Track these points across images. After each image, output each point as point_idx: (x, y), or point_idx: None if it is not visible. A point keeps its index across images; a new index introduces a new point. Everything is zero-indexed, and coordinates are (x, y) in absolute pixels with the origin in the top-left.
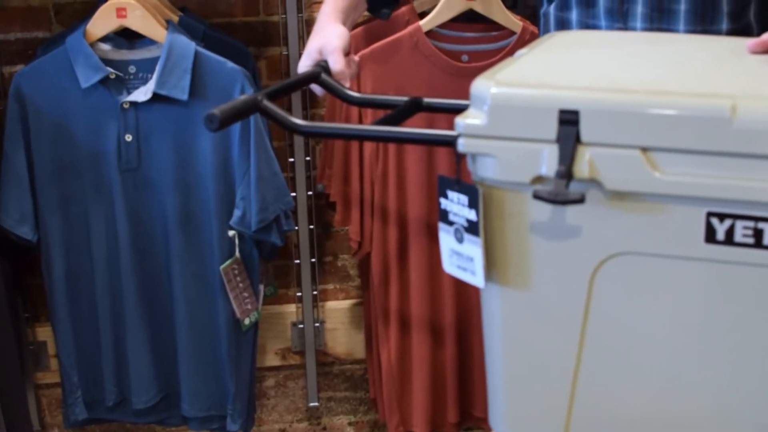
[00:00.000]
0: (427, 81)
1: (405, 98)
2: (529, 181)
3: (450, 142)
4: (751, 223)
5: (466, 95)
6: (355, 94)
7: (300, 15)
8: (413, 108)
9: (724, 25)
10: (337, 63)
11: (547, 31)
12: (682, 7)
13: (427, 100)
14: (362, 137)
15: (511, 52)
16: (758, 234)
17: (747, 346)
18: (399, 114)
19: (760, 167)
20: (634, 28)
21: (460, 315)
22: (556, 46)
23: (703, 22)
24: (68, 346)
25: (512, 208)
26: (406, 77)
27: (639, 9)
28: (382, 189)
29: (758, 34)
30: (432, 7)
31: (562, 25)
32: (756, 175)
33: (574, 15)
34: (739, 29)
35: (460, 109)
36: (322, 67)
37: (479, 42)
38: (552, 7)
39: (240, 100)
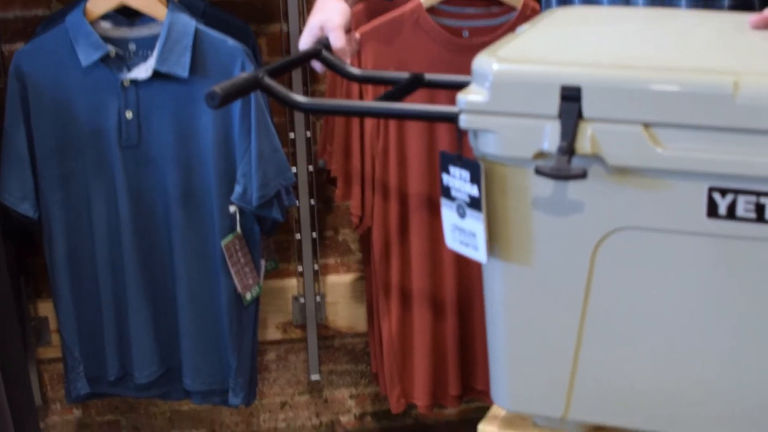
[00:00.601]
0: (428, 57)
1: (406, 74)
2: (531, 156)
3: (451, 118)
4: (752, 198)
5: (467, 71)
6: (356, 71)
7: None
8: (414, 84)
9: (726, 1)
10: (338, 40)
11: (548, 7)
12: None
13: (428, 76)
14: (364, 113)
15: (512, 28)
16: (760, 209)
17: (749, 320)
18: (400, 90)
19: (761, 142)
20: (636, 5)
21: (461, 288)
22: (557, 22)
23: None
24: (70, 322)
25: (514, 184)
26: (408, 54)
27: None
28: (383, 164)
29: (760, 9)
30: None
31: (565, 2)
32: (758, 150)
33: None
34: (741, 4)
35: (461, 85)
36: (323, 44)
37: (480, 18)
38: None
39: (241, 77)
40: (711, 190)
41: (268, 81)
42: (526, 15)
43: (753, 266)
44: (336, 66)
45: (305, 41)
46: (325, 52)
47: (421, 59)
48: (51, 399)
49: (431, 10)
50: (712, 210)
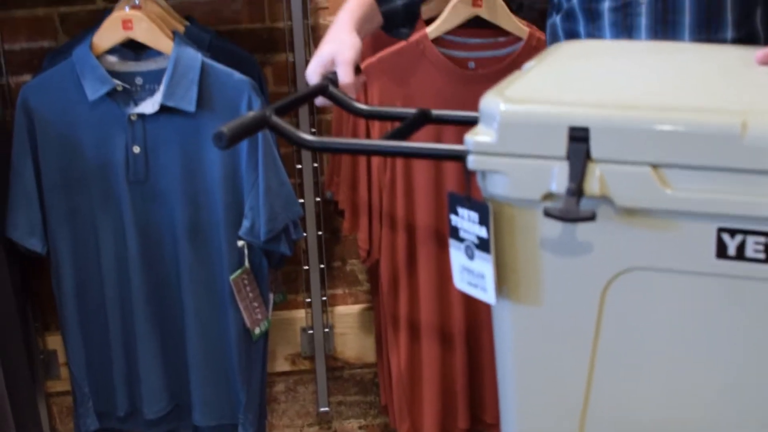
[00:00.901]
0: (434, 88)
1: (413, 110)
2: (539, 197)
3: (460, 157)
4: (762, 239)
5: (473, 102)
6: (363, 107)
7: (306, 21)
8: (422, 120)
9: (729, 34)
10: (346, 76)
11: (555, 41)
12: (687, 19)
13: (435, 112)
14: (372, 152)
15: (518, 59)
16: None
17: (758, 359)
18: (407, 127)
19: None
20: (638, 38)
21: (470, 321)
22: (563, 58)
23: (708, 32)
24: (79, 357)
25: (523, 225)
26: (413, 85)
27: (643, 21)
28: (390, 197)
29: (765, 42)
30: (438, 14)
31: (571, 36)
32: (767, 191)
33: (581, 27)
34: (745, 37)
35: (468, 121)
36: (330, 79)
37: (486, 48)
38: (558, 19)
39: (248, 116)
40: (720, 231)
41: (276, 120)
42: (532, 45)
43: (762, 306)
44: (343, 102)
45: (313, 70)
46: (331, 88)
47: (427, 90)
48: None
49: (437, 41)
50: (722, 251)
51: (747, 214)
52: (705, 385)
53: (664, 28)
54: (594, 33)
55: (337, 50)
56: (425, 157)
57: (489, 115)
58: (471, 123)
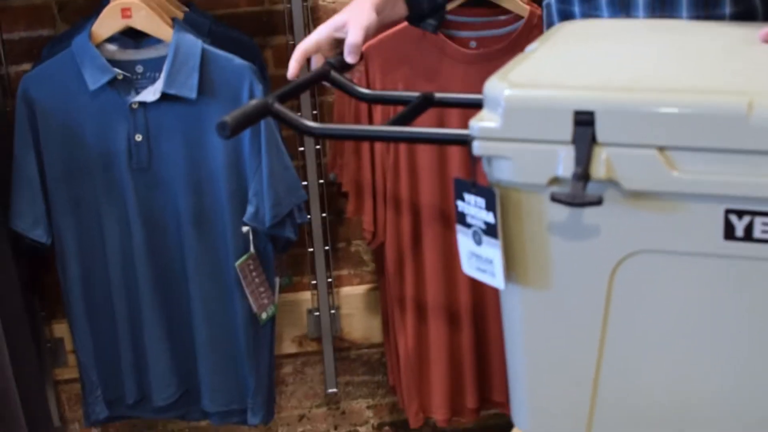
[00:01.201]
0: (436, 68)
1: (416, 94)
2: (546, 182)
3: (464, 142)
4: None
5: (475, 81)
6: (366, 91)
7: (305, 3)
8: (425, 104)
9: (727, 9)
10: (356, 36)
11: (550, 22)
12: None
13: (438, 95)
14: (375, 138)
15: (518, 37)
16: None
17: (767, 338)
18: (411, 111)
19: None
20: (636, 16)
21: (476, 301)
22: (566, 39)
23: (706, 8)
24: (87, 345)
25: (530, 210)
26: (415, 65)
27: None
28: (394, 178)
29: (763, 17)
30: None
31: (566, 17)
32: None
33: (576, 7)
34: (743, 12)
35: (471, 104)
36: (331, 64)
37: (487, 27)
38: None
39: (251, 105)
40: (727, 212)
41: (279, 107)
42: (533, 24)
43: None
44: (345, 87)
45: (322, 31)
46: (333, 73)
47: (428, 71)
48: (69, 419)
49: None
50: (729, 232)
51: (754, 195)
52: (714, 366)
53: (662, 4)
54: (590, 12)
55: (352, 17)
56: (430, 143)
57: (493, 99)
58: (474, 105)
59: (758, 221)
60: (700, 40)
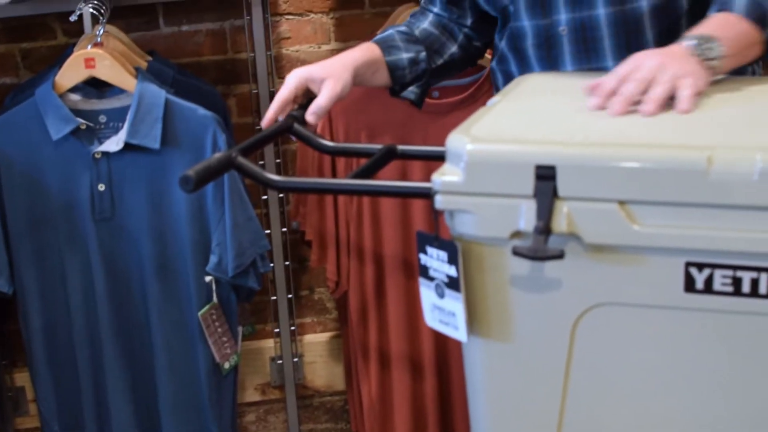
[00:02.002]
0: (399, 118)
1: (379, 146)
2: (507, 236)
3: (427, 195)
4: (729, 272)
5: (437, 131)
6: (329, 143)
7: (268, 53)
8: (388, 156)
9: (645, 2)
10: (319, 108)
11: (496, 85)
12: (606, 44)
13: (401, 147)
14: (340, 192)
15: (481, 87)
16: (737, 282)
17: (728, 392)
18: (374, 163)
19: (736, 217)
20: (565, 71)
21: (439, 349)
22: (527, 93)
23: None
24: (48, 395)
25: (492, 263)
26: (378, 115)
27: (567, 53)
28: (357, 227)
29: (687, 20)
30: None
31: (507, 78)
32: (733, 225)
33: (513, 67)
34: (661, 6)
35: (434, 156)
36: (294, 117)
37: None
38: (494, 62)
39: (214, 158)
40: (688, 265)
41: (241, 160)
42: None
43: (731, 339)
44: (309, 139)
45: (290, 83)
46: (296, 126)
47: (391, 120)
48: None
49: None
50: (690, 285)
51: (714, 249)
52: (676, 418)
53: (588, 56)
54: (525, 71)
55: (331, 77)
56: (393, 196)
57: (455, 154)
58: (437, 158)
59: (718, 274)
60: None
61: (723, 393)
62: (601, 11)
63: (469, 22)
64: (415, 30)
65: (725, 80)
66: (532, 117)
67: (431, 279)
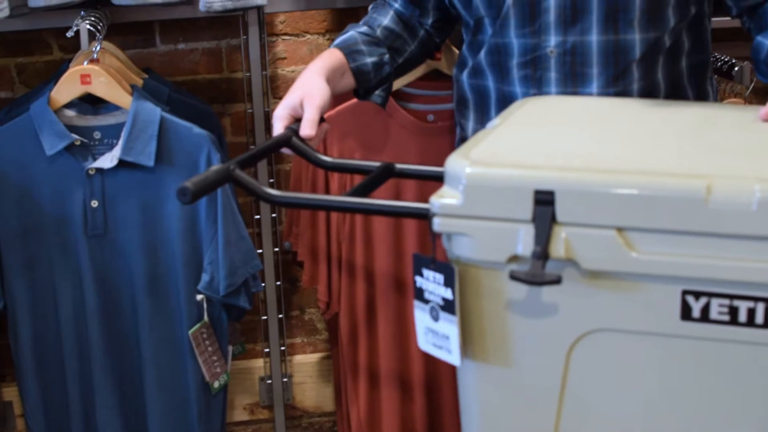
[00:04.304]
0: (394, 141)
1: (377, 164)
2: (505, 260)
3: (424, 216)
4: (726, 301)
5: (432, 154)
6: (327, 159)
7: (264, 72)
8: (385, 174)
9: (635, 85)
10: (312, 119)
11: (462, 96)
12: (595, 70)
13: (399, 166)
14: (336, 209)
15: None
16: (733, 311)
17: (723, 421)
18: (371, 181)
19: (734, 246)
20: (548, 93)
21: (429, 371)
22: (526, 117)
23: (616, 84)
24: (36, 410)
25: (488, 287)
26: (373, 137)
27: (552, 75)
28: (349, 248)
29: (664, 92)
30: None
31: (479, 92)
32: (731, 254)
33: (489, 82)
34: (649, 86)
35: (431, 176)
36: (293, 130)
37: (445, 101)
38: (465, 75)
39: (212, 171)
40: (685, 293)
41: (239, 174)
42: None
43: (727, 367)
44: (306, 154)
45: (280, 114)
46: (295, 139)
47: (386, 143)
48: None
49: (396, 93)
50: (686, 313)
51: (711, 277)
52: None
53: (574, 80)
54: (503, 88)
55: (307, 95)
56: (389, 215)
57: (454, 177)
58: (434, 178)
59: (715, 303)
60: (660, 121)
61: (717, 421)
62: (594, 38)
63: (430, 21)
64: (377, 29)
65: (726, 108)
66: (532, 141)
67: (426, 302)
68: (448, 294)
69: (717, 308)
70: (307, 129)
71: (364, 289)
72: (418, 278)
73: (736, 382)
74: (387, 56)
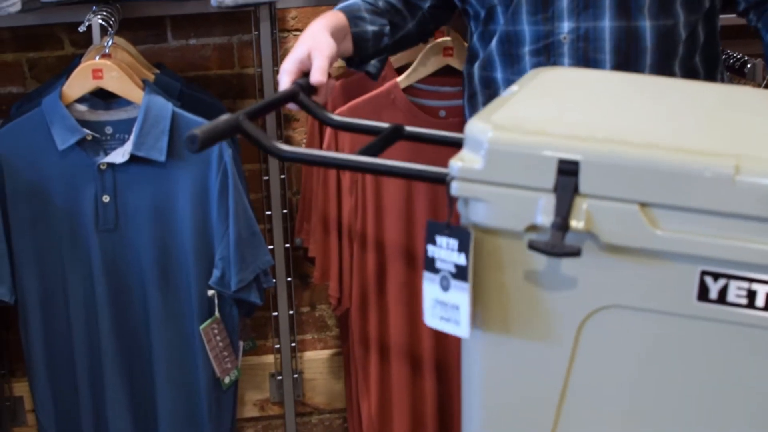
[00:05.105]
0: None
1: (385, 125)
2: (523, 229)
3: (442, 181)
4: (744, 284)
5: (444, 151)
6: (334, 117)
7: (275, 68)
8: (395, 135)
9: (647, 73)
10: (321, 67)
11: (472, 91)
12: (607, 57)
13: (408, 128)
14: (347, 167)
15: None
16: (751, 295)
17: (734, 403)
18: (380, 141)
19: (758, 229)
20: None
21: (441, 369)
22: (545, 85)
23: (628, 72)
24: (47, 405)
25: (503, 255)
26: None
27: (566, 62)
28: (360, 245)
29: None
30: (409, 63)
31: (487, 85)
32: (753, 236)
33: (499, 74)
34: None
35: (442, 141)
36: (300, 85)
37: (457, 97)
38: (476, 67)
39: (221, 120)
40: (703, 273)
41: (248, 125)
42: None
43: (741, 351)
44: (313, 110)
45: (288, 68)
46: (302, 95)
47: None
48: None
49: (408, 89)
50: (703, 294)
51: (732, 259)
52: (679, 427)
53: (586, 66)
54: (513, 78)
55: (314, 47)
56: (404, 177)
57: (475, 141)
58: (447, 143)
59: (733, 285)
60: (682, 98)
61: (728, 405)
62: (607, 23)
63: (428, 5)
64: (379, 2)
65: (746, 90)
66: (554, 110)
67: (437, 271)
68: (461, 260)
69: (735, 291)
70: (317, 75)
71: (376, 286)
72: (430, 246)
73: (749, 366)
74: (387, 28)
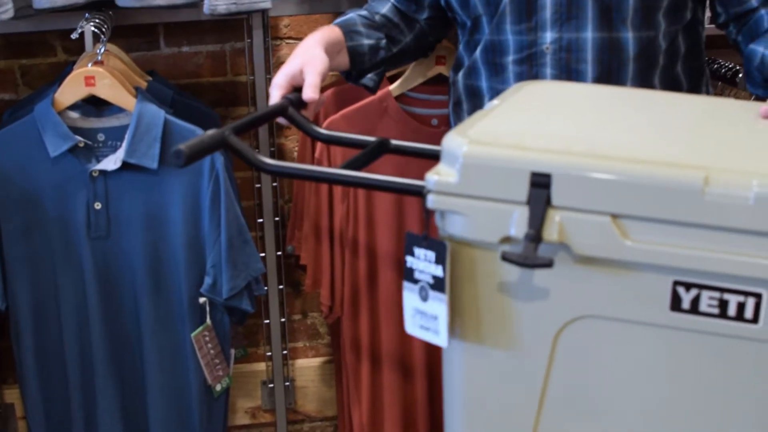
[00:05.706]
0: None
1: (372, 139)
2: (497, 240)
3: (419, 193)
4: (716, 294)
5: (433, 163)
6: (322, 131)
7: (268, 76)
8: (380, 149)
9: (629, 84)
10: (313, 84)
11: (457, 98)
12: (589, 68)
13: (394, 142)
14: (329, 180)
15: None
16: (723, 304)
17: (708, 412)
18: (365, 155)
19: (728, 239)
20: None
21: (432, 378)
22: (526, 99)
23: (610, 83)
24: (38, 413)
25: (479, 267)
26: None
27: (548, 72)
28: (352, 253)
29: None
30: (402, 71)
31: (472, 93)
32: (724, 247)
33: (483, 82)
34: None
35: (427, 154)
36: (290, 100)
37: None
38: (460, 75)
39: (207, 135)
40: (675, 283)
41: (234, 140)
42: None
43: (714, 360)
44: (301, 124)
45: (279, 82)
46: (291, 110)
47: None
48: None
49: (400, 98)
50: (676, 304)
51: (703, 269)
52: None
53: (569, 77)
54: (497, 86)
55: (307, 62)
56: (384, 190)
57: (451, 154)
58: (430, 156)
59: (705, 295)
60: (660, 111)
61: (703, 414)
62: (589, 35)
63: (424, 17)
64: (375, 16)
65: (725, 103)
66: (531, 123)
67: (416, 282)
68: (438, 272)
69: (707, 300)
70: (309, 92)
71: (367, 294)
72: (408, 258)
73: (723, 375)
74: (384, 41)
